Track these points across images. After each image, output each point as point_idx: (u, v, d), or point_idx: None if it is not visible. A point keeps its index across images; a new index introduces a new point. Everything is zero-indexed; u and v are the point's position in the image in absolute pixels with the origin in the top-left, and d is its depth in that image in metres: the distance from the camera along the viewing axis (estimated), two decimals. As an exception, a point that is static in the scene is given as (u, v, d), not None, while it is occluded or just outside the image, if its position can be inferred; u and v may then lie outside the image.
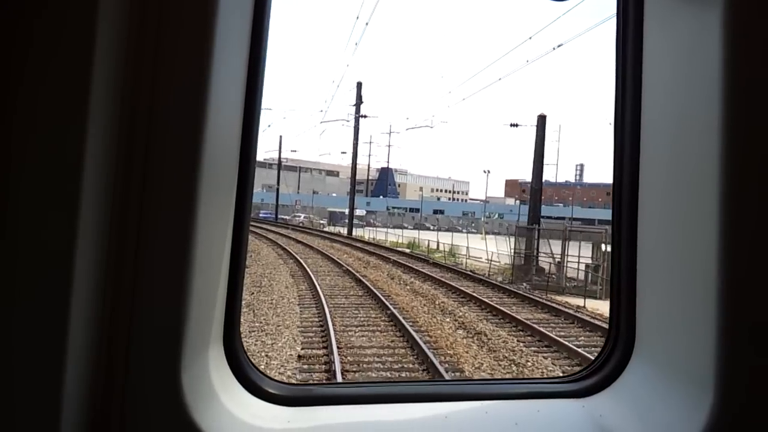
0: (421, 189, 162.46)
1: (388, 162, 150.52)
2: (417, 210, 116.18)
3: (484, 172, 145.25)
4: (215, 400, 1.58)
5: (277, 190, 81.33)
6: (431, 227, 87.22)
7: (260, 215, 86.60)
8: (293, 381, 10.29)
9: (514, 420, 1.75)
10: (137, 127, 1.38)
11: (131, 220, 1.39)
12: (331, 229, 64.60)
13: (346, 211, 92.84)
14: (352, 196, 54.60)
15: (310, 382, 10.48)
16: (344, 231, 55.88)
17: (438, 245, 42.29)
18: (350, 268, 25.21)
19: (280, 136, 78.56)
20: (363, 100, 50.97)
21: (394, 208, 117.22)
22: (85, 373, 1.34)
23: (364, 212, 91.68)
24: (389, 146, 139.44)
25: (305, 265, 25.30)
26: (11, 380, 1.27)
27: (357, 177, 55.31)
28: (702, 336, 1.54)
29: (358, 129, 51.39)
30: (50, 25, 1.25)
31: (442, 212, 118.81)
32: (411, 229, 67.64)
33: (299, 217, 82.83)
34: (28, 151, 1.25)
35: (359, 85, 51.18)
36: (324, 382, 10.49)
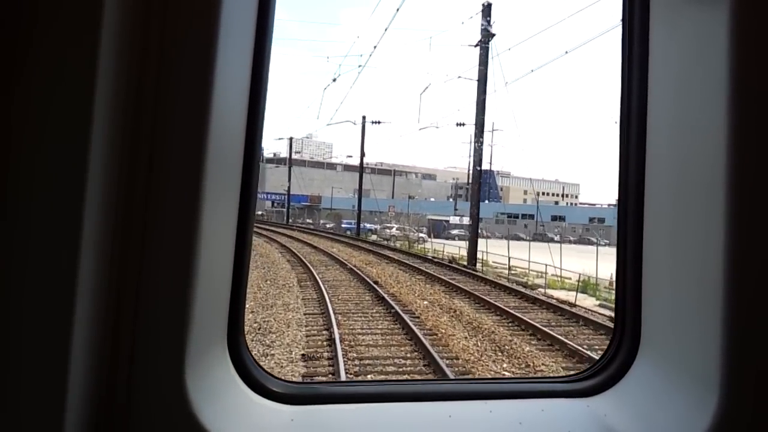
0: (526, 192, 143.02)
1: (490, 163, 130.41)
2: (528, 216, 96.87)
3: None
4: (219, 398, 1.57)
5: (359, 195, 62.47)
6: (554, 237, 67.45)
7: (342, 225, 69.91)
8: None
9: (519, 419, 1.74)
10: (142, 126, 1.39)
11: (136, 219, 1.40)
12: (437, 246, 43.90)
13: (451, 219, 73.30)
14: (476, 210, 33.91)
15: (314, 380, 9.58)
16: (457, 252, 36.23)
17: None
18: None
19: (363, 117, 59.81)
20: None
21: (501, 214, 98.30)
22: (90, 372, 1.35)
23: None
24: (492, 145, 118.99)
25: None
26: (16, 377, 1.27)
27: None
28: (707, 336, 1.54)
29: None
30: (56, 23, 1.26)
31: (562, 219, 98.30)
32: (528, 240, 48.74)
33: (390, 228, 63.65)
34: (33, 149, 1.26)
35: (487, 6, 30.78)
36: (328, 381, 9.64)
